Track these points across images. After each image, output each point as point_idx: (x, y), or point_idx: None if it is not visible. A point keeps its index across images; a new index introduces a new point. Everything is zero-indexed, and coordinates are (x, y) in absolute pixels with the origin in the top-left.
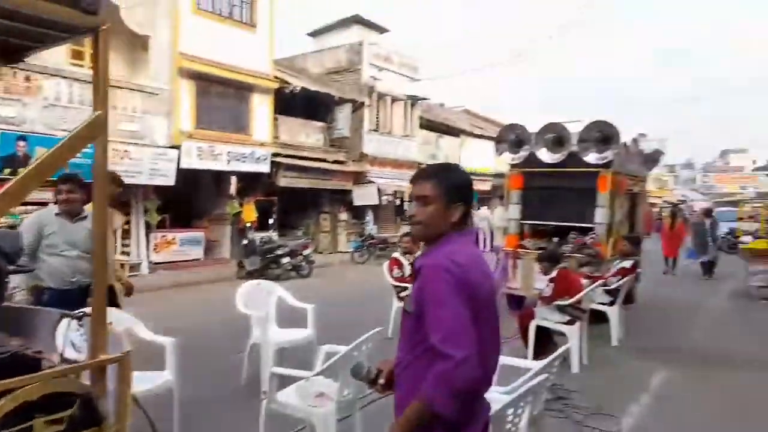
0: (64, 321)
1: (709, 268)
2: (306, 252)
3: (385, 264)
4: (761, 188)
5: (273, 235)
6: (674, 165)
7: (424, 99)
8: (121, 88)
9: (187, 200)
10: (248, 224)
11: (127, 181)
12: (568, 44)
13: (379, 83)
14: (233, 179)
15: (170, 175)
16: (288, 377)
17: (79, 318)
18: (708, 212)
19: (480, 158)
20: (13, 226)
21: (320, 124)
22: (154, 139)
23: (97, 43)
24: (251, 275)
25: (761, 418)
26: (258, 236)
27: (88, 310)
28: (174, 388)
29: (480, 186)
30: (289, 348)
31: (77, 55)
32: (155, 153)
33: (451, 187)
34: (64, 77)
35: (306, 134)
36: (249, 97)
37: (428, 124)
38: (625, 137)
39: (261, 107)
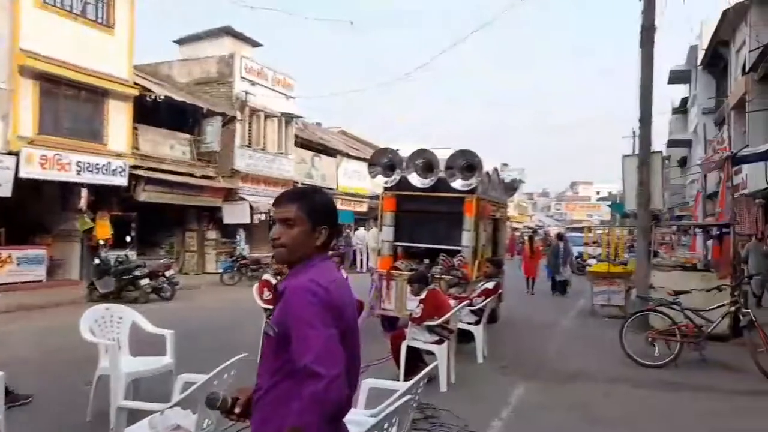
0: None
1: (562, 286)
2: (169, 273)
3: (255, 286)
4: (604, 216)
5: (131, 254)
6: (532, 193)
7: (300, 117)
8: None
9: (26, 214)
10: (101, 242)
11: None
12: (442, 70)
13: (251, 98)
14: (84, 192)
15: (6, 185)
16: (140, 411)
17: None
18: (560, 236)
19: (356, 179)
20: None
21: (187, 136)
22: None
23: None
24: (105, 298)
25: (604, 422)
26: (113, 255)
27: None
28: (0, 426)
29: (357, 207)
30: (146, 379)
31: None
32: None
33: (316, 211)
34: None
35: (170, 146)
36: (104, 103)
37: (304, 143)
38: (488, 166)
39: (118, 115)
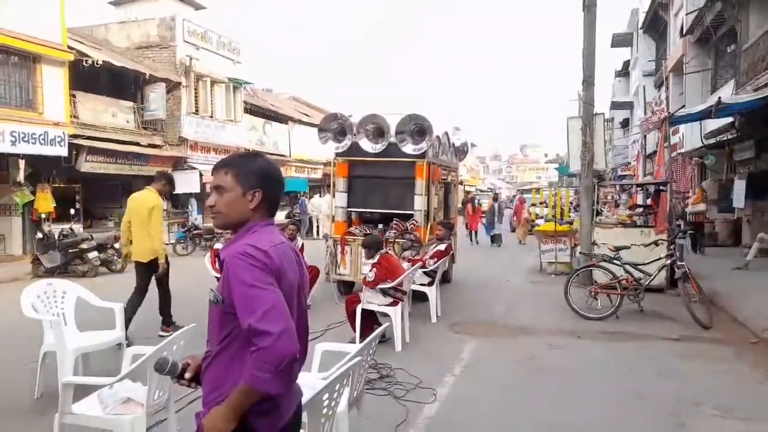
0: None
1: (498, 238)
2: (117, 245)
3: (207, 255)
4: (552, 178)
5: (77, 226)
6: (484, 156)
7: (248, 83)
8: None
9: None
10: (43, 215)
11: None
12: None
13: (196, 63)
14: (22, 163)
15: None
16: (90, 386)
17: None
18: (495, 197)
19: (310, 146)
20: None
21: (130, 103)
22: None
23: None
24: (51, 273)
25: (549, 372)
26: (57, 228)
27: None
28: None
29: (311, 174)
30: (96, 353)
31: None
32: None
33: (246, 174)
34: None
35: (113, 114)
36: (36, 69)
37: (254, 109)
38: (438, 130)
39: (53, 81)
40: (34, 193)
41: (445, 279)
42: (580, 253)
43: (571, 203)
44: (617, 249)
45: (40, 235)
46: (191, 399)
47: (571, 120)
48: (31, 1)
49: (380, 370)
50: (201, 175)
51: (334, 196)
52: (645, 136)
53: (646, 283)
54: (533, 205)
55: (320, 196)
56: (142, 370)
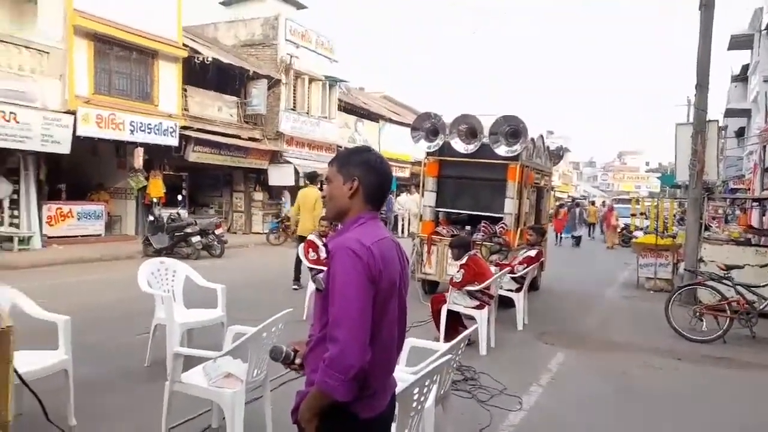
0: None
1: (577, 241)
2: (218, 231)
3: (301, 246)
4: (653, 188)
5: (183, 212)
6: (578, 162)
7: (344, 81)
8: (2, 42)
9: (85, 172)
10: (155, 200)
11: (13, 146)
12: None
13: (296, 61)
14: (139, 151)
15: (64, 143)
16: (195, 358)
17: None
18: (577, 204)
19: (399, 144)
20: None
21: (234, 98)
22: (45, 103)
23: None
24: (159, 253)
25: (643, 393)
26: (166, 213)
27: None
28: (69, 368)
29: (399, 173)
30: (198, 329)
31: None
32: (47, 118)
33: (346, 164)
34: None
35: (218, 108)
36: (154, 64)
37: (347, 107)
38: (533, 133)
39: (168, 76)
40: (147, 179)
41: (533, 286)
42: (684, 269)
43: (674, 216)
44: (728, 268)
45: (151, 218)
46: (285, 380)
47: (681, 127)
48: (152, 1)
49: (464, 372)
50: (296, 169)
51: (422, 195)
52: (765, 146)
53: (761, 307)
54: (632, 215)
55: (408, 195)
56: (242, 347)
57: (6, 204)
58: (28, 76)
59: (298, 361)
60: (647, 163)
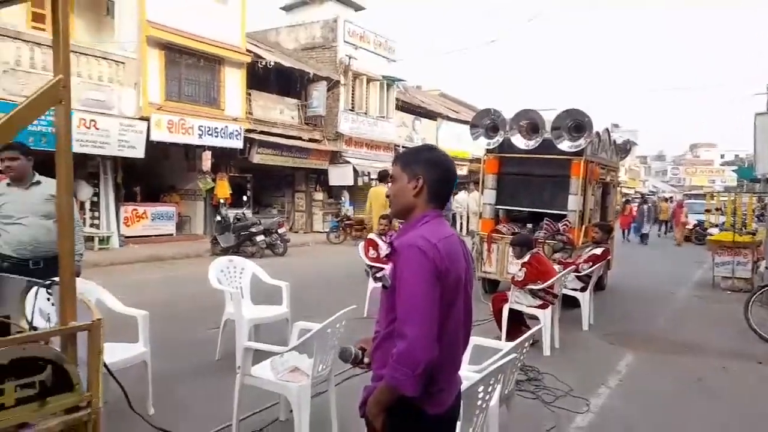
0: (33, 289)
1: (644, 238)
2: (281, 230)
3: (361, 245)
4: (729, 182)
5: (248, 212)
6: (646, 156)
7: (401, 80)
8: (85, 54)
9: (157, 175)
10: (222, 200)
11: (94, 151)
12: (544, 31)
13: (354, 62)
14: (207, 154)
15: (139, 148)
16: (262, 352)
17: (48, 286)
18: (645, 200)
19: (456, 142)
20: None
21: (295, 101)
22: (122, 110)
23: (57, 3)
24: (225, 252)
25: (720, 397)
26: (232, 213)
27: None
28: (148, 360)
29: (457, 170)
30: (264, 325)
31: (38, 18)
32: (123, 124)
33: (410, 163)
34: (25, 41)
35: (280, 111)
36: (220, 71)
37: (405, 106)
38: (597, 127)
39: (233, 81)
40: (214, 180)
41: (599, 286)
42: (766, 268)
43: (753, 211)
44: None
45: (218, 218)
46: (348, 375)
47: (760, 116)
48: (217, 9)
49: (528, 372)
50: (355, 168)
51: (482, 192)
52: None
53: None
54: (707, 211)
55: (466, 193)
56: (308, 343)
57: (87, 206)
58: (107, 86)
59: (366, 360)
60: (722, 156)
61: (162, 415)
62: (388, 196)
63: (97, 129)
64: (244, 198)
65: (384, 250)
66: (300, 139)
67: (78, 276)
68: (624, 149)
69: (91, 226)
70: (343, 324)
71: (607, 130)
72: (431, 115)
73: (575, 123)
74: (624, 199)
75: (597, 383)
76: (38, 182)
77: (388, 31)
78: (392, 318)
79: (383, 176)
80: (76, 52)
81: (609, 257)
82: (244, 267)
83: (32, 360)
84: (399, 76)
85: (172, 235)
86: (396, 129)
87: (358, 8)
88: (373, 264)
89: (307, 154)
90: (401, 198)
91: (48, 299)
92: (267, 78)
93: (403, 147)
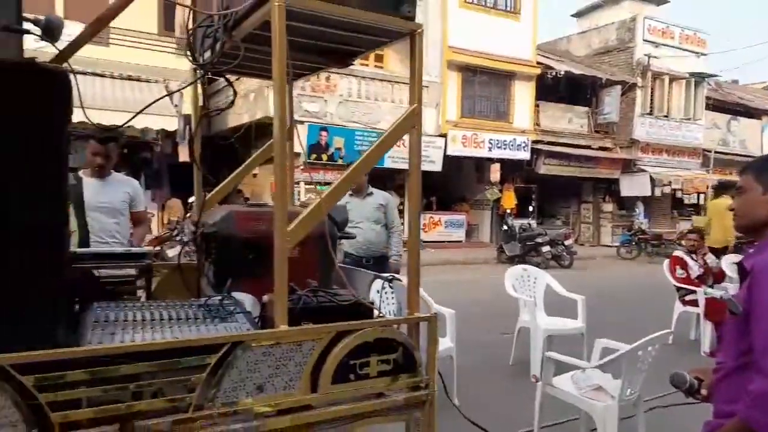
0: (377, 282)
1: None
2: (567, 242)
3: (666, 262)
4: None
5: (532, 222)
6: None
7: (713, 76)
8: (396, 82)
9: (450, 186)
10: (507, 211)
11: (402, 166)
12: None
13: (654, 61)
14: (496, 166)
15: (437, 162)
16: (560, 364)
17: (390, 281)
18: None
19: None
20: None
21: (584, 109)
22: (424, 128)
23: (414, 44)
24: (511, 260)
25: None
26: (517, 223)
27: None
28: (453, 355)
29: None
30: (557, 336)
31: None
32: (425, 141)
33: (766, 171)
34: (355, 76)
35: (568, 120)
36: (510, 85)
37: (717, 105)
38: None
39: (522, 94)
40: (500, 191)
41: None
42: None
43: None
44: None
45: (504, 227)
46: (657, 404)
47: None
48: (510, 27)
49: None
50: (651, 178)
51: None
52: None
53: None
54: None
55: None
56: (615, 363)
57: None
58: None
59: (704, 392)
60: None
61: (465, 409)
62: (732, 209)
63: (405, 146)
64: (530, 208)
65: (695, 270)
66: (589, 147)
67: (398, 273)
68: None
69: None
70: (656, 348)
71: None
72: (753, 114)
73: None
74: None
75: None
76: (371, 193)
77: (701, 23)
78: (743, 349)
79: (726, 186)
80: (389, 80)
81: None
82: (537, 277)
83: (388, 341)
84: (711, 71)
85: (461, 241)
86: (705, 132)
87: (660, 1)
88: (681, 285)
89: (596, 164)
90: (752, 212)
91: (385, 292)
92: (555, 87)
93: (715, 152)
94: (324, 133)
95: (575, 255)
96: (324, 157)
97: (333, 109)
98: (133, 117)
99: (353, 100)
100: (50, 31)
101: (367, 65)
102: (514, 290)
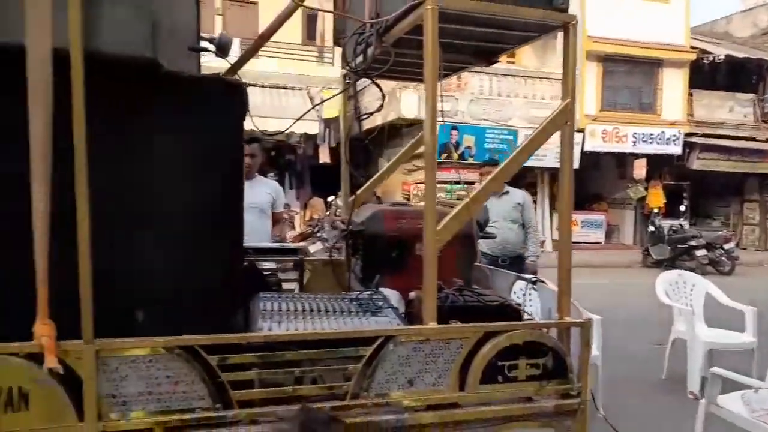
0: (519, 283)
1: None
2: (727, 246)
3: None
4: None
5: (684, 223)
6: None
7: None
8: (530, 77)
9: (585, 183)
10: (654, 210)
11: (534, 164)
12: None
13: None
14: (641, 162)
15: (575, 159)
16: (727, 382)
17: (534, 282)
18: None
19: None
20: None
21: (749, 96)
22: None
23: (568, 37)
24: (658, 264)
25: None
26: (666, 224)
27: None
28: (599, 363)
29: None
30: (719, 351)
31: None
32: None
33: None
34: (486, 73)
35: (729, 109)
36: (658, 73)
37: None
38: None
39: (672, 82)
40: (646, 189)
41: None
42: None
43: None
44: None
45: (651, 228)
46: None
47: None
48: (658, 10)
49: None
50: None
51: None
52: None
53: None
54: None
55: None
56: None
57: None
58: (547, 103)
59: None
60: None
61: (612, 422)
62: None
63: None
64: (681, 208)
65: None
66: (754, 140)
67: (535, 274)
68: None
69: None
70: None
71: None
72: None
73: None
74: None
75: None
76: (507, 192)
77: None
78: None
79: None
80: (522, 76)
81: None
82: (695, 284)
83: (538, 345)
84: None
85: (600, 243)
86: None
87: None
88: None
89: (763, 157)
90: None
91: (529, 294)
92: (713, 74)
93: None
94: (455, 132)
95: (737, 260)
96: (455, 155)
97: (464, 107)
98: (295, 122)
99: (484, 97)
100: (223, 47)
101: (499, 61)
102: (668, 297)
